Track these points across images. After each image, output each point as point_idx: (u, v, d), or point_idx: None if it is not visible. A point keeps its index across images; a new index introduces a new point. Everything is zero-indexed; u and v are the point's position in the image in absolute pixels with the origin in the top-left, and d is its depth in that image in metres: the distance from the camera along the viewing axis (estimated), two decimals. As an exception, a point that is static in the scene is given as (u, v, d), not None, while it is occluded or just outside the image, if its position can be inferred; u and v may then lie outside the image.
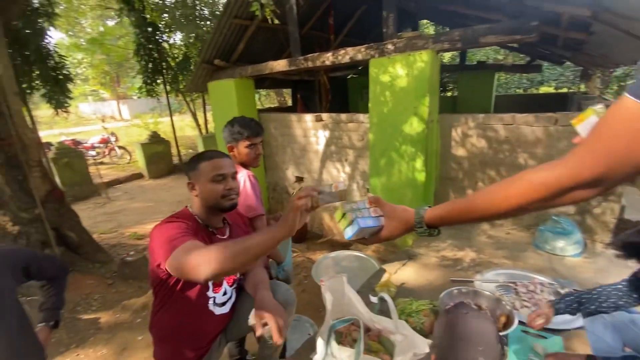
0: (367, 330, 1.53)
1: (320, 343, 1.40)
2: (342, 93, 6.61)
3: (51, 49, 5.57)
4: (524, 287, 1.90)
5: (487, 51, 11.34)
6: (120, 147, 8.86)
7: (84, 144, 8.57)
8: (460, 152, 2.89)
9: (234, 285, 1.37)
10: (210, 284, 1.25)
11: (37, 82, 5.44)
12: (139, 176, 7.69)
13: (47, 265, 1.20)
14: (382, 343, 1.36)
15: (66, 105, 5.43)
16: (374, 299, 1.49)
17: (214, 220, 1.28)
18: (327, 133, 3.64)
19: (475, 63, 7.12)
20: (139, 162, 7.71)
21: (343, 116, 3.49)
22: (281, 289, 1.38)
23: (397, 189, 2.96)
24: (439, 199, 3.11)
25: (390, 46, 2.70)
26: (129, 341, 2.49)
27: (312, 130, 3.75)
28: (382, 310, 1.36)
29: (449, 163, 2.96)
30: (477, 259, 2.38)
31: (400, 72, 2.69)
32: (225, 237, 1.31)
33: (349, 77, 7.04)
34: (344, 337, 1.34)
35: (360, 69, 6.92)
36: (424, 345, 1.26)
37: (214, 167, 1.21)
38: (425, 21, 7.70)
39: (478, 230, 2.83)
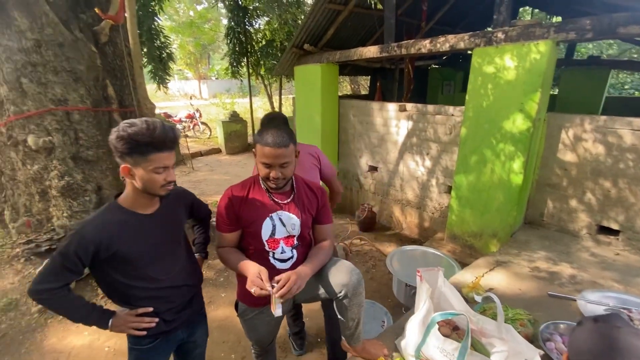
0: (456, 327, 1.49)
1: (413, 331, 1.40)
2: (422, 84, 6.31)
3: (158, 30, 6.24)
4: (642, 316, 1.66)
5: (599, 44, 9.81)
6: (202, 123, 9.68)
7: (174, 118, 9.55)
8: (568, 156, 2.58)
9: (294, 247, 1.44)
10: (265, 241, 1.38)
11: (145, 59, 6.17)
12: (217, 151, 8.36)
13: (202, 207, 1.42)
14: (472, 344, 1.31)
15: (167, 81, 6.08)
16: (478, 298, 1.43)
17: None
18: (409, 124, 3.53)
19: (586, 58, 6.20)
20: (218, 138, 8.36)
21: (430, 107, 3.34)
22: (343, 266, 1.39)
23: (486, 190, 2.77)
24: (534, 206, 2.84)
25: (500, 34, 2.47)
26: (213, 295, 2.77)
27: (394, 120, 3.66)
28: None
29: (552, 168, 2.67)
30: (577, 276, 2.13)
31: (508, 64, 2.46)
32: (285, 201, 1.41)
33: (429, 67, 6.69)
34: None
35: (445, 59, 6.52)
36: (533, 354, 1.19)
37: (264, 153, 1.27)
38: (526, 8, 6.90)
39: (578, 246, 2.53)
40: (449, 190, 3.33)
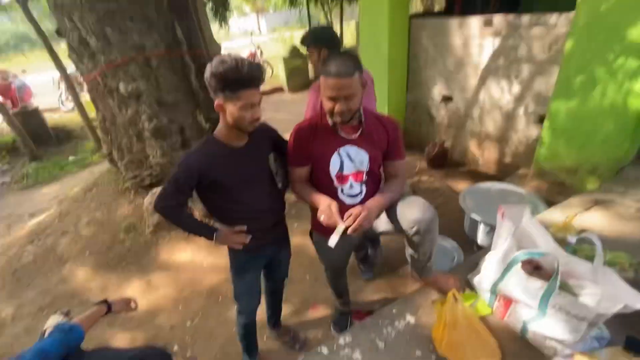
0: (538, 267, 1.39)
1: (491, 268, 1.36)
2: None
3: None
4: None
5: None
6: (264, 62, 9.64)
7: (237, 57, 9.63)
8: None
9: (363, 182, 1.43)
10: (333, 176, 1.40)
11: (205, -3, 6.08)
12: (279, 90, 8.38)
13: (284, 142, 1.49)
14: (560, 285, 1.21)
15: (228, 19, 6.02)
16: (571, 239, 1.30)
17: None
18: (496, 42, 2.99)
19: None
20: (280, 75, 8.30)
21: (524, 19, 2.75)
22: (417, 202, 1.34)
23: (591, 118, 2.31)
24: (655, 136, 2.31)
25: None
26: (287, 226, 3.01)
27: (476, 39, 3.14)
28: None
29: (694, 86, 2.08)
30: None
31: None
32: (351, 137, 1.37)
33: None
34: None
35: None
36: (635, 300, 1.06)
37: (327, 85, 1.21)
38: None
39: None
40: (540, 120, 2.88)
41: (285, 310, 2.06)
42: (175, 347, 2.07)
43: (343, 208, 1.47)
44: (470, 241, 2.41)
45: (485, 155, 3.51)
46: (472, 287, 1.49)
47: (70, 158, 5.88)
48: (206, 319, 2.23)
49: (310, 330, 2.06)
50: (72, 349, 1.00)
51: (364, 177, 1.44)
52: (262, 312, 1.81)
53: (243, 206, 1.36)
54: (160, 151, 3.04)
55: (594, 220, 1.88)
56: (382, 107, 3.82)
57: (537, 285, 1.11)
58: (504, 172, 3.32)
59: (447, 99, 3.71)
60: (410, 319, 1.43)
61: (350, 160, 1.39)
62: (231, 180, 1.28)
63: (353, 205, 1.47)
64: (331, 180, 1.42)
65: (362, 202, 1.48)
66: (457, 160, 3.81)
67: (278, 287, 1.84)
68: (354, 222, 1.20)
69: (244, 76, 1.10)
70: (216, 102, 1.17)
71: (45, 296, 2.58)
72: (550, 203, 2.26)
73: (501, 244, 1.32)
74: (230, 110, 1.16)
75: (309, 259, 2.55)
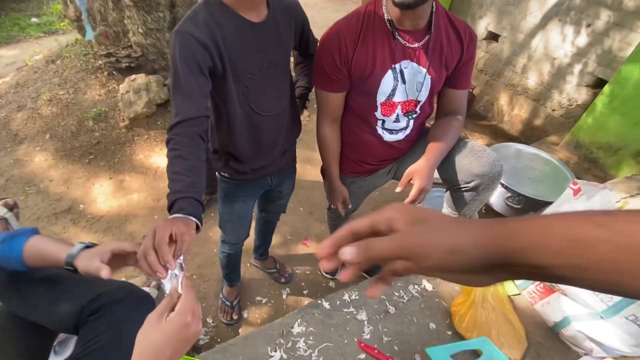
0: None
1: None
2: None
3: None
4: None
5: None
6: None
7: None
8: None
9: (410, 116, 1.10)
10: (378, 104, 1.05)
11: None
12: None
13: (312, 38, 1.05)
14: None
15: None
16: None
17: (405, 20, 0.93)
18: (580, -27, 2.40)
19: None
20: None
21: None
22: (485, 153, 1.05)
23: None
24: None
25: None
26: (308, 155, 2.63)
27: (556, -35, 2.51)
28: None
29: None
30: None
31: None
32: (415, 44, 0.97)
33: None
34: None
35: None
36: None
37: None
38: None
39: None
40: (597, 84, 2.49)
41: (274, 240, 1.86)
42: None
43: (380, 146, 1.15)
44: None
45: (513, 112, 3.15)
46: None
47: (33, 20, 4.92)
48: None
49: (298, 267, 1.90)
50: None
51: (417, 108, 1.08)
52: (249, 239, 1.57)
53: (252, 118, 0.95)
54: (143, 27, 2.43)
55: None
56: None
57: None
58: (529, 136, 3.03)
59: (492, 37, 3.16)
60: (428, 285, 1.24)
61: (403, 82, 1.01)
62: (246, 65, 0.86)
63: (392, 143, 1.15)
64: (375, 108, 1.06)
65: (405, 139, 1.16)
66: (480, 112, 3.44)
67: (273, 219, 1.59)
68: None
69: None
70: None
71: (-4, 177, 2.23)
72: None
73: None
74: None
75: (305, 191, 2.29)
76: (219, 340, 1.54)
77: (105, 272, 0.61)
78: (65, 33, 4.49)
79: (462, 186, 1.07)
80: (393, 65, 0.99)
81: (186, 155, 0.73)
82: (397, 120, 1.09)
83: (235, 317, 1.59)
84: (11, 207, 1.04)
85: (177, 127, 0.75)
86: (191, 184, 0.71)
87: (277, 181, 1.23)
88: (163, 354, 0.49)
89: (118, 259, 0.66)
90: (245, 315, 1.64)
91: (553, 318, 1.09)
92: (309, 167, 2.45)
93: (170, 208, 0.68)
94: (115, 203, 2.11)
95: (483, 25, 3.17)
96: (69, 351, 1.21)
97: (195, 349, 1.48)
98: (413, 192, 1.00)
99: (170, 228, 0.61)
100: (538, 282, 1.15)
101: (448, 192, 1.19)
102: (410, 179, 1.02)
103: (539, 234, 0.28)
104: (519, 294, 1.22)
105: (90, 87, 2.66)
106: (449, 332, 1.11)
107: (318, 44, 1.02)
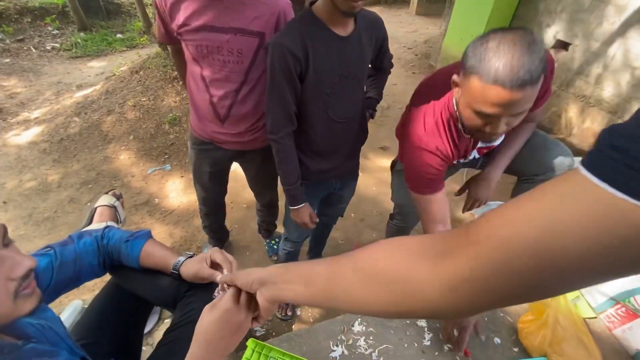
0: None
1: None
2: None
3: None
4: None
5: None
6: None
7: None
8: None
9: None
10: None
11: None
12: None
13: (388, 52, 1.14)
14: None
15: None
16: None
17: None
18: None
19: None
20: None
21: None
22: (559, 145, 1.05)
23: None
24: None
25: None
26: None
27: (641, -33, 2.31)
28: None
29: None
30: None
31: None
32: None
33: None
34: None
35: None
36: None
37: (487, 97, 0.70)
38: None
39: None
40: None
41: (326, 244, 1.92)
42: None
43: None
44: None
45: (584, 125, 2.92)
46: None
47: (118, 35, 5.61)
48: (244, 232, 2.15)
49: (350, 270, 1.93)
50: (111, 259, 0.85)
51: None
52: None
53: (326, 123, 1.04)
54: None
55: None
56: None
57: None
58: (602, 150, 2.78)
59: (561, 45, 2.98)
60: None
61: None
62: (328, 74, 0.96)
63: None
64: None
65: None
66: (545, 125, 3.23)
67: (330, 222, 1.65)
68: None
69: None
70: None
71: (89, 171, 2.57)
72: None
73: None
74: None
75: (357, 198, 2.33)
76: (273, 333, 1.63)
77: (219, 278, 0.75)
78: (145, 47, 5.07)
79: (533, 177, 1.06)
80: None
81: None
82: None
83: (289, 313, 1.66)
84: (118, 197, 1.22)
85: (280, 135, 1.00)
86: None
87: (340, 185, 1.31)
88: (213, 337, 0.54)
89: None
90: (298, 312, 1.71)
91: (636, 345, 1.01)
92: (361, 174, 2.50)
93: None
94: (185, 199, 2.33)
95: (551, 34, 3.00)
96: (151, 325, 1.38)
97: (253, 337, 1.57)
98: (466, 201, 1.09)
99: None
100: (621, 307, 1.07)
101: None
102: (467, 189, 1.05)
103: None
104: (595, 317, 1.14)
105: (167, 95, 2.98)
106: (515, 349, 1.07)
107: (411, 157, 0.98)
